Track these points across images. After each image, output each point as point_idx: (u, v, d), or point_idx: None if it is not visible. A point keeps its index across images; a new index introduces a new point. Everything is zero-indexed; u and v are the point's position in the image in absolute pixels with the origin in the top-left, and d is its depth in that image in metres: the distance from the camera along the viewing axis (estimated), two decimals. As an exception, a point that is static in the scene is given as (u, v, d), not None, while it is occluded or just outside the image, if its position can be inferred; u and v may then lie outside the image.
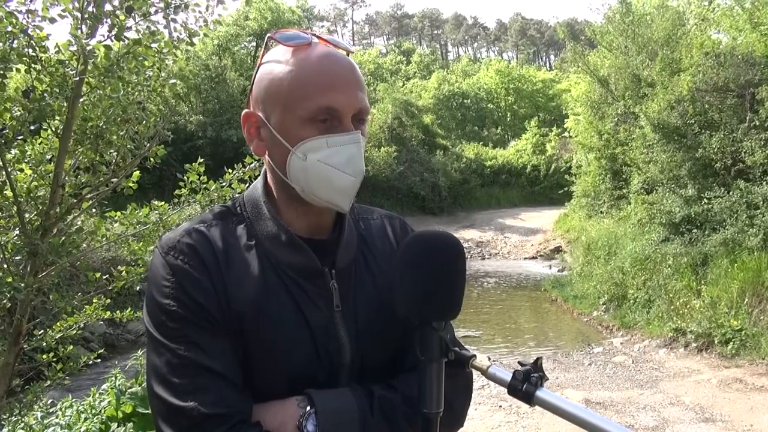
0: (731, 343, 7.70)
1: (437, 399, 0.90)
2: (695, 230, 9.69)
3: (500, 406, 6.31)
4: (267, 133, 1.02)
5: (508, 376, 0.86)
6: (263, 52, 1.04)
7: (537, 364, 0.85)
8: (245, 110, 1.05)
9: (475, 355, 0.91)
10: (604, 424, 0.78)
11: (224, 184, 3.20)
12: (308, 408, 0.95)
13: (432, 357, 0.89)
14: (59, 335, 3.20)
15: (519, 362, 0.87)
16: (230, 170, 3.29)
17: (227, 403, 0.91)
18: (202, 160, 3.20)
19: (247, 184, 3.10)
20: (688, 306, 8.82)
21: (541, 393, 0.83)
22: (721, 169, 9.78)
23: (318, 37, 1.02)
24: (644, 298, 10.00)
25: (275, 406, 0.96)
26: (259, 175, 1.13)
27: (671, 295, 9.36)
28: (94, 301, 3.29)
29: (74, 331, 3.28)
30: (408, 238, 0.97)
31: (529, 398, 0.83)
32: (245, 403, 0.94)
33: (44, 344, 3.16)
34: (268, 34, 1.03)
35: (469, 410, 1.11)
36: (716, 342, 7.87)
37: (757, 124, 9.37)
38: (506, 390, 0.86)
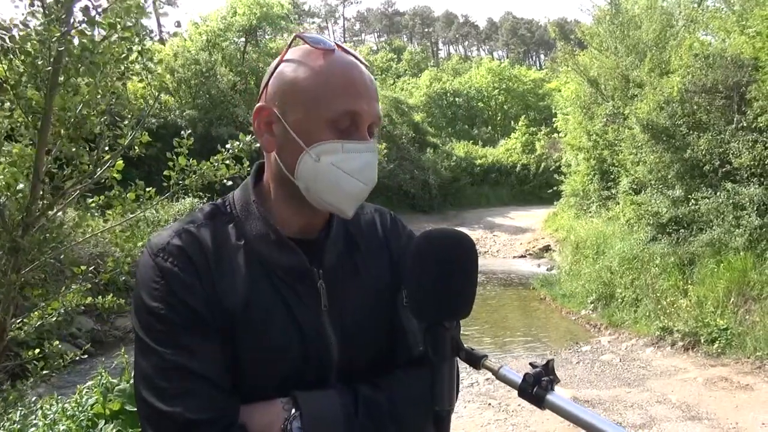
0: (717, 342, 7.78)
1: (449, 397, 0.91)
2: (682, 230, 9.77)
3: (489, 404, 6.32)
4: (280, 129, 1.02)
5: (518, 378, 0.86)
6: (286, 49, 1.04)
7: (548, 367, 0.85)
8: (258, 104, 1.04)
9: (486, 355, 0.91)
10: None
11: (217, 164, 3.04)
12: (293, 410, 0.95)
13: (444, 356, 0.90)
14: (38, 323, 3.09)
15: (530, 364, 0.87)
16: (223, 149, 3.08)
17: (213, 407, 0.91)
18: (189, 131, 3.07)
19: (242, 167, 3.03)
20: (674, 305, 8.89)
21: (551, 397, 0.82)
22: (709, 171, 9.86)
23: (340, 47, 1.04)
24: (632, 297, 10.07)
25: (260, 407, 0.96)
26: (250, 166, 1.12)
27: (658, 295, 9.44)
28: (73, 286, 3.18)
29: (54, 318, 3.16)
30: (418, 237, 0.97)
31: (540, 402, 0.83)
32: (232, 407, 0.94)
33: (23, 334, 3.05)
34: (296, 33, 1.05)
35: (459, 408, 1.11)
36: (702, 341, 7.94)
37: (745, 125, 9.45)
38: (516, 392, 0.86)
